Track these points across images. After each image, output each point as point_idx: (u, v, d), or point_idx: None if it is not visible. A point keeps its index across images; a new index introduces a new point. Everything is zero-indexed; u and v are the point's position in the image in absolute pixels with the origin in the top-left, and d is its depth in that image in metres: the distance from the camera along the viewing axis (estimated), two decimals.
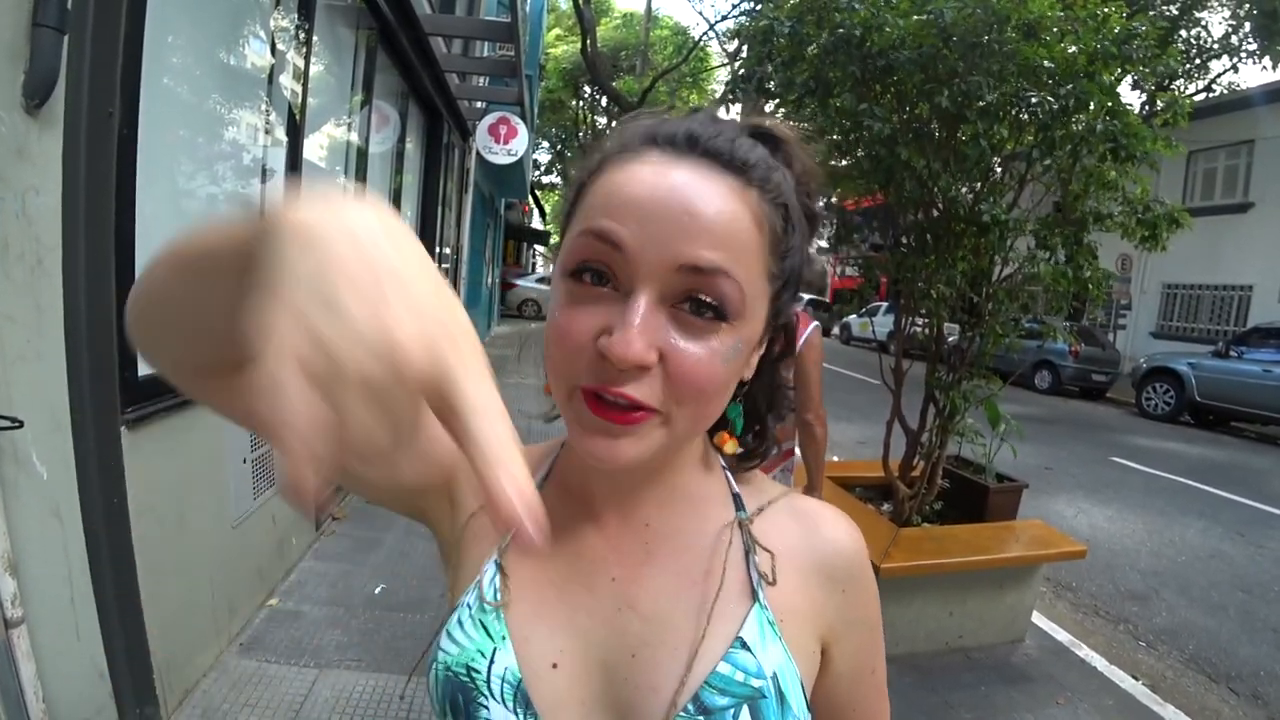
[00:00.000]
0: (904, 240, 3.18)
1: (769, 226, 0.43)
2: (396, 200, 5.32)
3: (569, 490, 0.53)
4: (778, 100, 3.12)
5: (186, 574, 2.07)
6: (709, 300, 0.40)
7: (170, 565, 1.96)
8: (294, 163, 2.86)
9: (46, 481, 1.48)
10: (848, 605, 0.53)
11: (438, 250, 6.65)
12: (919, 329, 3.19)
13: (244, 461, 2.44)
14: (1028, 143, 2.81)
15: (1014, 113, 2.68)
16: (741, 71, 3.04)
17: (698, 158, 0.41)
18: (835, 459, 6.46)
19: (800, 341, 2.12)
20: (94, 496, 1.67)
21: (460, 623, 0.49)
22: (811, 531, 0.53)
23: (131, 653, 1.78)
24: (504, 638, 0.47)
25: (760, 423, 0.55)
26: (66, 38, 1.39)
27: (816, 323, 2.20)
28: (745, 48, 5.78)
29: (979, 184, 2.82)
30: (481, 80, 7.21)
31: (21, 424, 1.35)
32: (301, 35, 2.92)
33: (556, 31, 18.79)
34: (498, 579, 0.49)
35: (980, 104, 2.45)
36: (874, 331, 5.37)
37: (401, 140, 5.25)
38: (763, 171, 0.43)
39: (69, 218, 1.49)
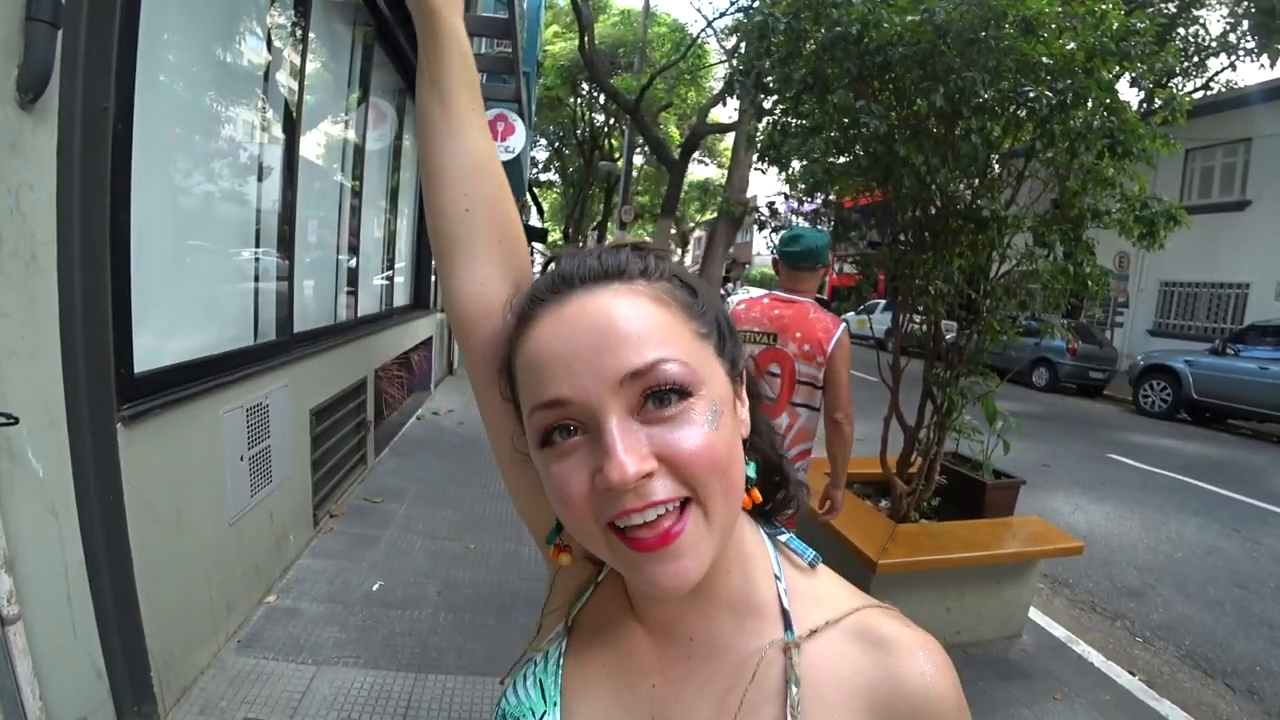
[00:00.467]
0: (902, 237, 3.18)
1: (670, 299, 0.44)
2: (394, 198, 5.31)
3: (623, 587, 0.53)
4: (775, 96, 3.11)
5: (184, 571, 2.07)
6: (665, 387, 0.40)
7: (167, 562, 1.95)
8: (290, 160, 2.85)
9: (42, 478, 1.48)
10: None
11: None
12: (917, 326, 3.19)
13: (241, 459, 2.43)
14: (1025, 139, 2.81)
15: (1011, 109, 2.68)
16: (740, 67, 3.03)
17: (579, 290, 0.43)
18: None
19: (832, 343, 2.16)
20: (90, 493, 1.66)
21: (525, 676, 0.52)
22: (879, 664, 0.46)
23: (129, 650, 1.78)
24: (555, 704, 0.49)
25: (775, 468, 0.54)
26: (61, 32, 1.38)
27: (845, 323, 2.25)
28: (743, 44, 5.78)
29: (977, 180, 2.82)
30: (479, 77, 7.18)
31: (17, 420, 1.34)
32: (298, 31, 2.91)
33: (554, 29, 18.75)
34: (563, 643, 0.52)
35: (976, 101, 2.44)
36: (871, 329, 5.37)
37: (399, 137, 5.24)
38: (637, 264, 0.45)
39: (63, 213, 1.48)
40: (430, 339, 6.49)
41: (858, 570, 2.75)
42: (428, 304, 6.32)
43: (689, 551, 0.40)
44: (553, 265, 0.47)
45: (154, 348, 1.98)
